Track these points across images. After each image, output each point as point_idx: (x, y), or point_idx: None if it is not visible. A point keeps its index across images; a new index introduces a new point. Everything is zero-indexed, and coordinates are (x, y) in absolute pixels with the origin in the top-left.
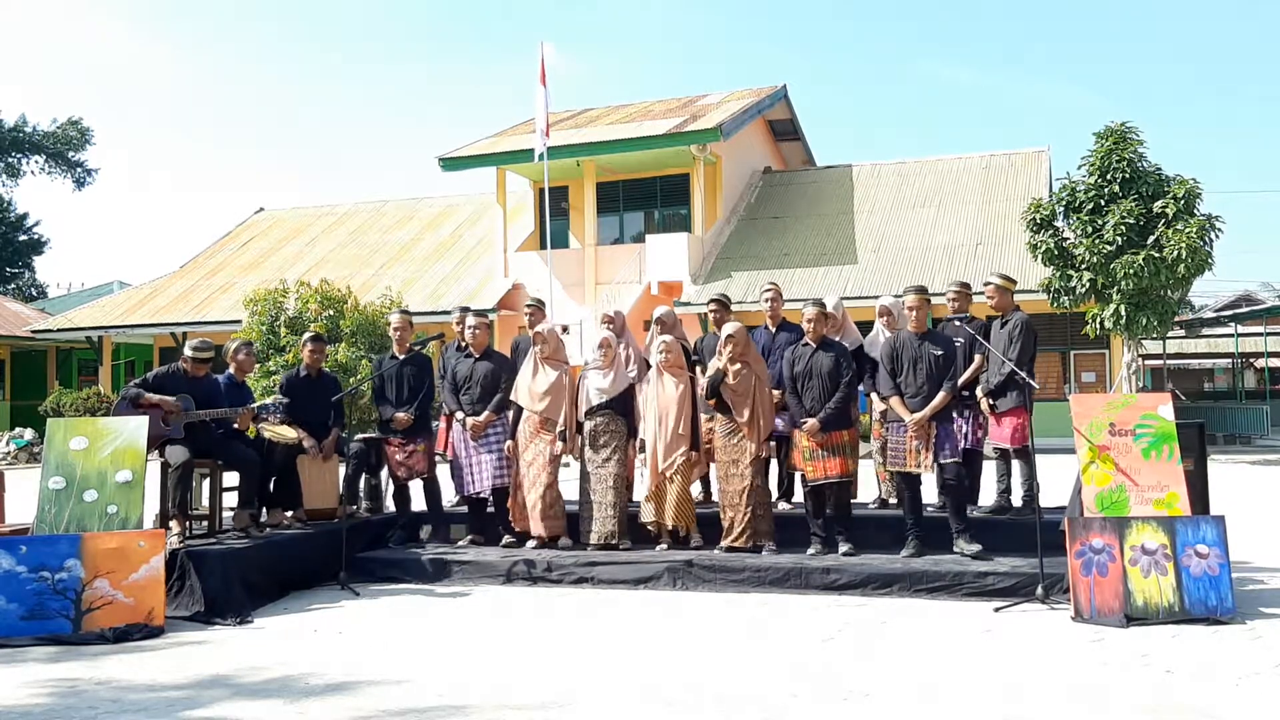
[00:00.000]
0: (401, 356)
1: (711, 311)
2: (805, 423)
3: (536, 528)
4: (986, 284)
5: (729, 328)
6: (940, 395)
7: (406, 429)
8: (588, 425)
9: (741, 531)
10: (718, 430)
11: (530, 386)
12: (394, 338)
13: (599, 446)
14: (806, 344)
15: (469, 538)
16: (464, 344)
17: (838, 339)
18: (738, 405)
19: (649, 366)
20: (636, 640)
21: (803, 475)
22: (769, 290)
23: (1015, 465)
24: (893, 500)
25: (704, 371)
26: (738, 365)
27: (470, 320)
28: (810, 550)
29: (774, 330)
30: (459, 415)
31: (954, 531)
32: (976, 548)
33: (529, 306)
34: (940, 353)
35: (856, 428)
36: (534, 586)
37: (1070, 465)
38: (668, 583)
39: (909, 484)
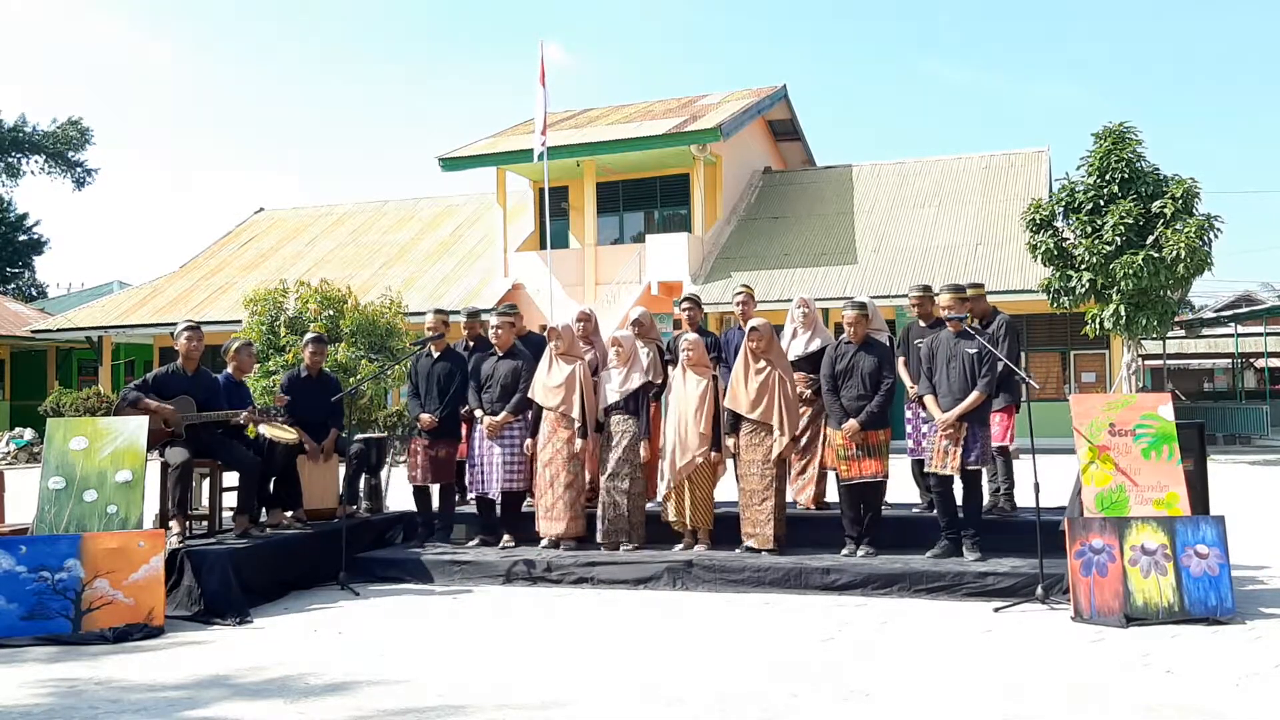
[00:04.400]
0: (435, 355)
1: (686, 311)
2: (845, 423)
3: (556, 528)
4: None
5: (754, 322)
6: (972, 396)
7: (432, 431)
8: (605, 424)
9: (765, 533)
10: (742, 429)
11: (544, 382)
12: (428, 336)
13: (612, 446)
14: (848, 343)
15: (479, 538)
16: (469, 344)
17: (806, 338)
18: (761, 404)
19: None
20: (636, 640)
21: (836, 475)
22: (741, 292)
23: (1011, 464)
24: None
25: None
26: (761, 362)
27: (494, 319)
28: (844, 551)
29: (745, 330)
30: (478, 414)
31: (964, 534)
32: (977, 555)
33: (506, 308)
34: (975, 352)
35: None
36: (534, 586)
37: (1070, 465)
38: (668, 583)
39: (941, 485)
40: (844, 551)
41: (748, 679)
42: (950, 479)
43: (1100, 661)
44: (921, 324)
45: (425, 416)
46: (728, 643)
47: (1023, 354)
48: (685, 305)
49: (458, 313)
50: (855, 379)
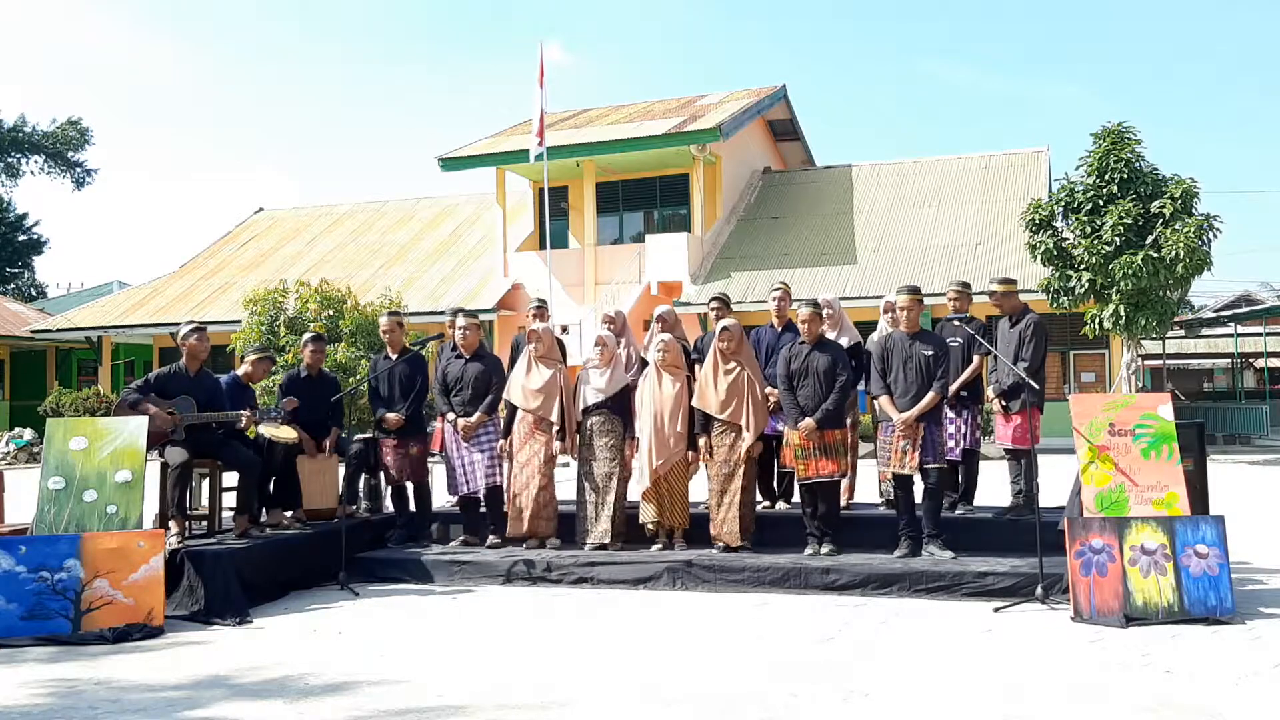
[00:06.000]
0: (394, 357)
1: (713, 310)
2: (801, 422)
3: (529, 529)
4: (991, 291)
5: (725, 322)
6: (929, 396)
7: (400, 430)
8: (584, 424)
9: (732, 530)
10: (712, 429)
11: (524, 385)
12: (384, 340)
13: (595, 446)
14: (803, 343)
15: (463, 538)
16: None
17: (833, 336)
18: (731, 404)
19: (646, 365)
20: (636, 640)
21: (793, 474)
22: (778, 289)
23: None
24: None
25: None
26: (731, 363)
27: (461, 321)
28: (808, 550)
29: (779, 330)
30: (450, 416)
31: (926, 535)
32: (949, 554)
33: (533, 307)
34: (931, 353)
35: (854, 427)
36: (533, 586)
37: (1070, 465)
38: (667, 583)
39: (901, 485)
40: (807, 551)
41: (748, 679)
42: (910, 479)
43: (1100, 661)
44: (956, 323)
45: (392, 415)
46: (728, 643)
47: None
48: (714, 304)
49: (443, 313)
50: (811, 379)
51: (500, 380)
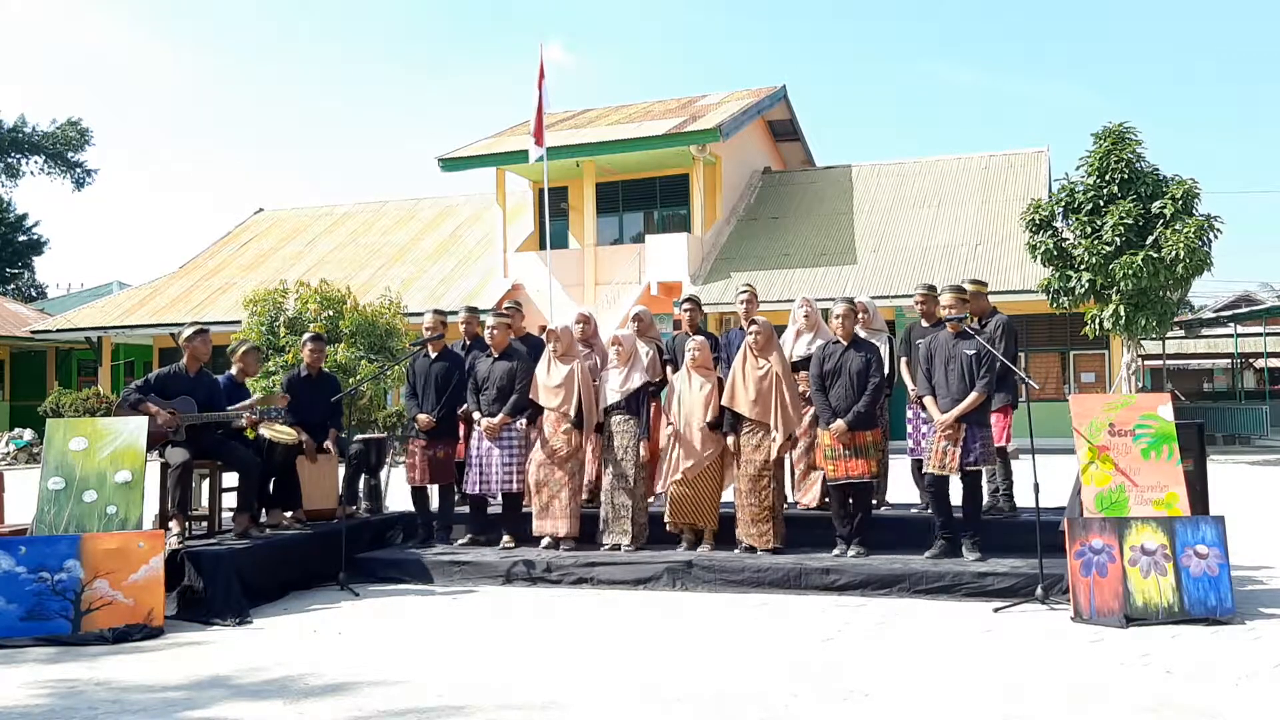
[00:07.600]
0: (434, 355)
1: (686, 311)
2: (833, 424)
3: (554, 528)
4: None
5: (757, 319)
6: (971, 396)
7: (430, 431)
8: (606, 424)
9: (762, 531)
10: (742, 428)
11: (544, 383)
12: (425, 337)
13: (614, 446)
14: (837, 342)
15: (468, 537)
16: (467, 344)
17: (810, 338)
18: (761, 404)
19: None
20: (636, 640)
21: (824, 475)
22: (744, 291)
23: (1009, 464)
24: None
25: (675, 372)
26: (762, 361)
27: (490, 320)
28: (835, 551)
29: (748, 329)
30: (475, 415)
31: (963, 535)
32: (977, 555)
33: (508, 306)
34: (973, 353)
35: (880, 428)
36: (534, 587)
37: (1070, 465)
38: (667, 583)
39: (937, 485)
40: (834, 551)
41: (748, 679)
42: (945, 479)
43: (1100, 661)
44: (925, 324)
45: (423, 417)
46: (728, 643)
47: (1021, 354)
48: (686, 306)
49: (456, 313)
50: (843, 379)
51: (526, 381)
